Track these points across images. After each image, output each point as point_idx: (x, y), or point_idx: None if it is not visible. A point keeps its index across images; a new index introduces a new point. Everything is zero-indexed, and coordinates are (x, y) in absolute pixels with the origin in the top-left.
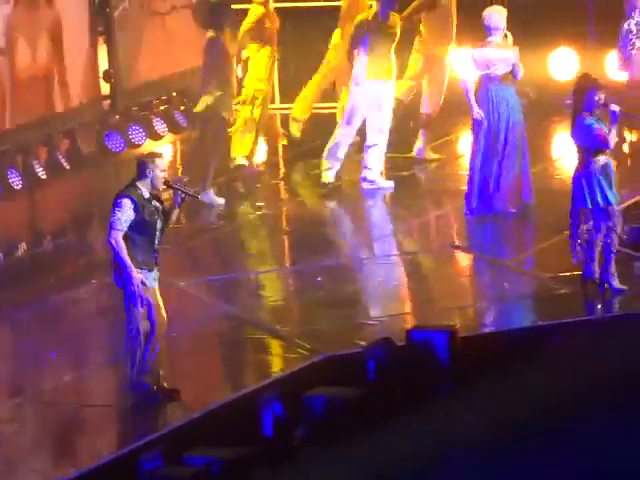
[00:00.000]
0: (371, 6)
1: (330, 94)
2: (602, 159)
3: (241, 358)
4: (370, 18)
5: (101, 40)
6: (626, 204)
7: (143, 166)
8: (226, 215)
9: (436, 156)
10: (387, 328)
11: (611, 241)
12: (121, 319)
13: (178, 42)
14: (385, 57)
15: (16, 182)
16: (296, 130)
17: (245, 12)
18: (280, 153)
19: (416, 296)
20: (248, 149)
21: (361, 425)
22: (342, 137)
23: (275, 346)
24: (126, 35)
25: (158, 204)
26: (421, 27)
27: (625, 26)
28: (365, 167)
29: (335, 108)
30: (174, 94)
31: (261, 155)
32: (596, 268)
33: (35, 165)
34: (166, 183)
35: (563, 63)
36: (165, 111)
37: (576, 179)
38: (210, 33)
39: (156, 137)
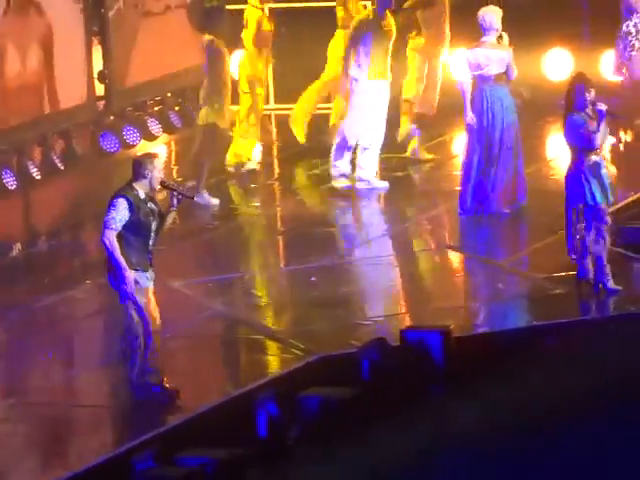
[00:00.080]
0: (365, 6)
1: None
2: (592, 159)
3: (235, 358)
4: (370, 18)
5: (96, 41)
6: (621, 204)
7: (141, 167)
8: (221, 216)
9: (430, 156)
10: (381, 328)
11: (601, 241)
12: (115, 320)
13: (173, 43)
14: (384, 57)
15: (10, 182)
16: (301, 135)
17: (240, 12)
18: (275, 153)
19: (410, 296)
20: (251, 152)
21: (356, 425)
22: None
23: (269, 346)
24: (121, 36)
25: (154, 205)
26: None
27: (623, 28)
28: (359, 167)
29: (330, 109)
30: (169, 95)
31: (256, 156)
32: (590, 267)
33: (30, 165)
34: (162, 184)
35: (557, 63)
36: (160, 112)
37: (567, 178)
38: (206, 37)
39: (151, 138)
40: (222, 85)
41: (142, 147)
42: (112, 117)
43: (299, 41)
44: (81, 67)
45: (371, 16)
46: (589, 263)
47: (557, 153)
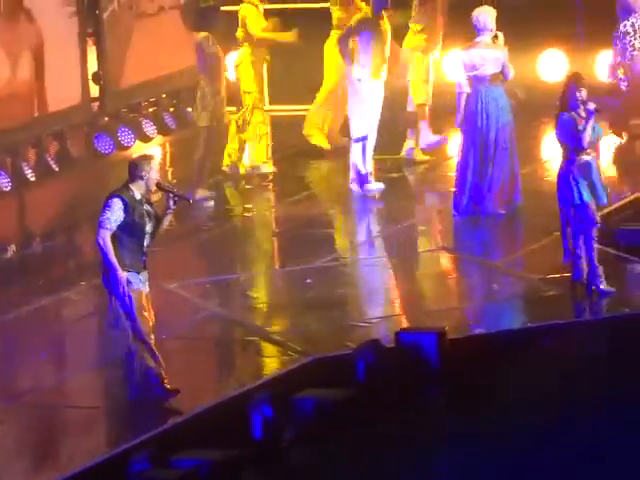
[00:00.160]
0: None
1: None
2: (583, 158)
3: (231, 360)
4: (369, 17)
5: (90, 42)
6: (615, 205)
7: (137, 168)
8: (216, 217)
9: (426, 157)
10: (377, 330)
11: (590, 242)
12: (110, 321)
13: (167, 44)
14: (381, 57)
15: (5, 184)
16: (322, 142)
17: (235, 14)
18: (269, 155)
19: (405, 298)
20: (264, 155)
21: (351, 426)
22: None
23: (265, 348)
24: (115, 37)
25: (150, 207)
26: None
27: (621, 28)
28: (353, 167)
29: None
30: (163, 96)
31: (250, 157)
32: (585, 269)
33: (24, 167)
34: (158, 185)
35: (552, 64)
36: (154, 113)
37: (558, 178)
38: (201, 34)
39: (145, 139)
40: (219, 84)
41: (137, 148)
42: (107, 118)
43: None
44: (75, 68)
45: (369, 15)
46: (583, 264)
47: (552, 154)
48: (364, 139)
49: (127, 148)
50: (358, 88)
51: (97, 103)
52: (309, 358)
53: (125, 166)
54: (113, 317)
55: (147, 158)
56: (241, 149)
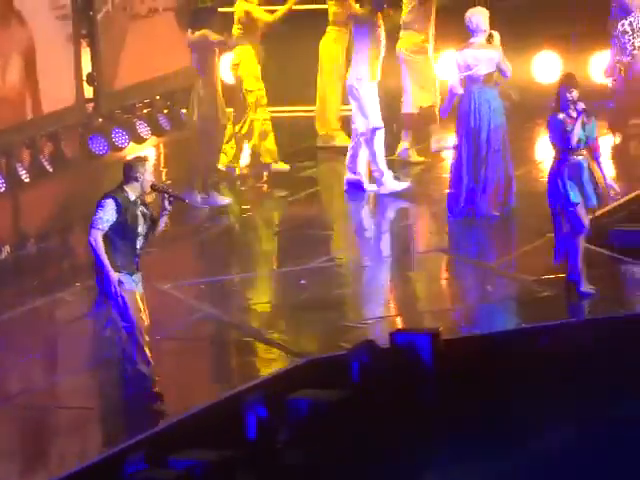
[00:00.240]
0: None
1: (311, 97)
2: (574, 159)
3: (225, 361)
4: (369, 16)
5: (84, 43)
6: (609, 207)
7: (132, 170)
8: (211, 218)
9: (421, 158)
10: (371, 331)
11: (576, 242)
12: (104, 322)
13: (161, 45)
14: (377, 58)
15: None
16: (342, 139)
17: (230, 15)
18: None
19: (400, 299)
20: (275, 153)
21: (345, 427)
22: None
23: (259, 348)
24: (109, 38)
25: (145, 209)
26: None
27: (619, 27)
28: (349, 168)
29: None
30: (157, 97)
31: (245, 158)
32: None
33: (18, 168)
34: (153, 187)
35: (546, 66)
36: (148, 114)
37: (548, 178)
38: (201, 33)
39: (140, 140)
40: (216, 82)
41: (131, 150)
42: (101, 120)
43: (287, 43)
44: (69, 70)
45: (368, 15)
46: (581, 266)
47: (546, 155)
48: (373, 134)
49: (121, 149)
50: (359, 88)
51: (91, 104)
52: (303, 359)
53: (119, 167)
54: (105, 318)
55: (141, 160)
56: (239, 149)
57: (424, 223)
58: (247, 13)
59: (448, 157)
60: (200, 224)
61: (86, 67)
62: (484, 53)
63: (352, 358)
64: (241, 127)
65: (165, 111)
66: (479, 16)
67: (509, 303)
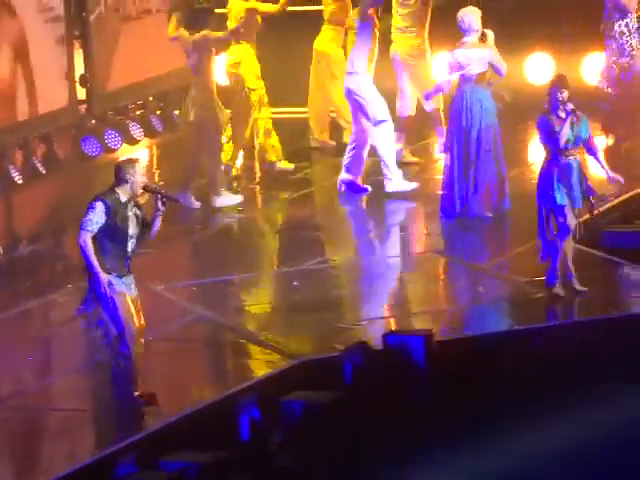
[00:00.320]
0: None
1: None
2: (563, 160)
3: (218, 362)
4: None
5: (77, 44)
6: (602, 208)
7: (122, 171)
8: (204, 219)
9: (415, 159)
10: (364, 332)
11: (558, 242)
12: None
13: (154, 46)
14: (373, 57)
15: None
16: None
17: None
18: (256, 157)
19: (393, 300)
20: (279, 151)
21: (338, 428)
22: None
23: (252, 350)
24: (102, 39)
25: (138, 210)
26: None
27: (616, 28)
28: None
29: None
30: (150, 98)
31: (238, 159)
32: (573, 272)
33: (11, 170)
34: (145, 187)
35: (539, 67)
36: (141, 116)
37: (538, 178)
38: (200, 34)
39: (132, 142)
40: (212, 83)
41: (124, 151)
42: (94, 121)
43: (280, 45)
44: (62, 71)
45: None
46: (571, 266)
47: (539, 157)
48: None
49: (114, 151)
50: (361, 86)
51: (84, 106)
52: (297, 360)
53: (112, 169)
54: (96, 319)
55: (132, 161)
56: (237, 149)
57: (418, 224)
58: (248, 11)
59: (442, 158)
60: (194, 225)
61: (79, 68)
62: (476, 52)
63: (345, 360)
64: (246, 128)
65: (158, 112)
66: (471, 16)
67: (502, 304)
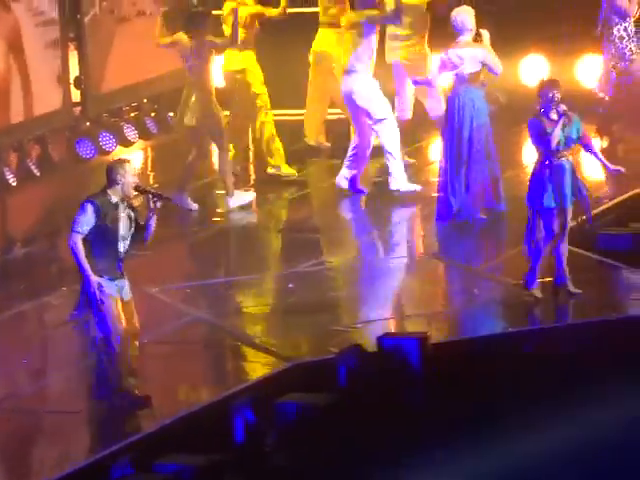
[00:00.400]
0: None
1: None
2: (555, 161)
3: (213, 364)
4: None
5: (72, 46)
6: (596, 210)
7: (113, 172)
8: (199, 221)
9: (412, 160)
10: (359, 335)
11: (541, 244)
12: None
13: (149, 48)
14: (373, 59)
15: None
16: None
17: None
18: (250, 159)
19: (388, 303)
20: (283, 155)
21: (333, 431)
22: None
23: (247, 352)
24: (97, 41)
25: (131, 211)
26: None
27: (615, 32)
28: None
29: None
30: (145, 101)
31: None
32: (567, 274)
33: (5, 171)
34: (137, 188)
35: (534, 69)
36: (136, 118)
37: (530, 179)
38: (194, 41)
39: (127, 144)
40: (212, 86)
41: (118, 153)
42: (88, 123)
43: (274, 47)
44: (57, 73)
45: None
46: (566, 269)
47: (533, 159)
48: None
49: (108, 153)
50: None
51: (78, 108)
52: (291, 363)
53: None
54: (87, 321)
55: (122, 162)
56: (237, 152)
57: (413, 226)
58: (253, 16)
59: (436, 160)
60: (190, 227)
61: (73, 70)
62: (469, 52)
63: (339, 362)
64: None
65: (152, 114)
66: (464, 15)
67: (497, 307)
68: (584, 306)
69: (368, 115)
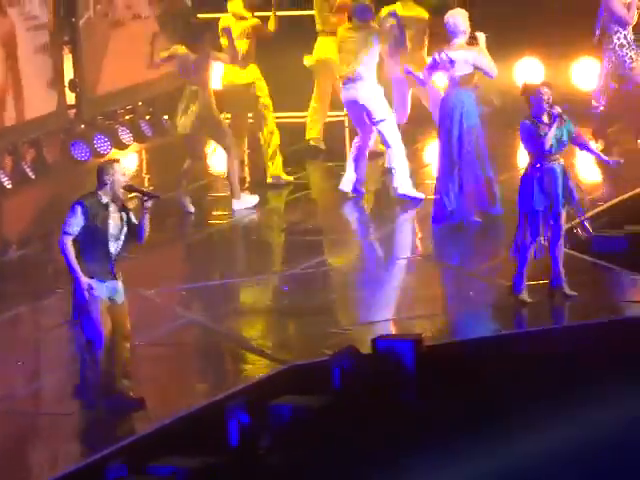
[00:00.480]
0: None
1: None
2: (546, 165)
3: (207, 367)
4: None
5: (66, 49)
6: (591, 213)
7: (102, 173)
8: (195, 224)
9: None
10: (353, 337)
11: (529, 246)
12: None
13: (143, 51)
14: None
15: None
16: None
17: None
18: (246, 161)
19: (382, 305)
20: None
21: (327, 433)
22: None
23: (241, 355)
24: (91, 44)
25: (123, 212)
26: None
27: (615, 40)
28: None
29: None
30: (139, 103)
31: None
32: (563, 276)
33: (0, 174)
34: (128, 188)
35: (528, 71)
36: (130, 120)
37: (520, 183)
38: (195, 54)
39: (121, 146)
40: (212, 95)
41: (113, 156)
42: (83, 126)
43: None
44: (51, 76)
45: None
46: (562, 271)
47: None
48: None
49: (103, 155)
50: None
51: (73, 110)
52: (286, 365)
53: None
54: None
55: (111, 162)
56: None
57: (409, 229)
58: (252, 28)
59: (430, 163)
60: (186, 229)
61: (68, 73)
62: (460, 54)
63: (333, 364)
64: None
65: (147, 117)
66: (457, 17)
67: (491, 309)
68: (579, 308)
69: (370, 116)
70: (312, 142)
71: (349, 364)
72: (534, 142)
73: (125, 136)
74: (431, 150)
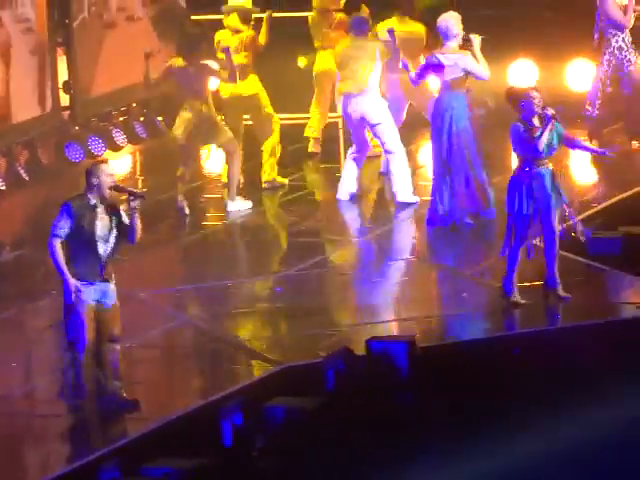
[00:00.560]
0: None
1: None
2: (534, 169)
3: (201, 368)
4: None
5: (60, 51)
6: (585, 215)
7: (89, 174)
8: (189, 225)
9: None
10: (347, 338)
11: (516, 248)
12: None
13: (137, 53)
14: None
15: None
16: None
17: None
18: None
19: (376, 306)
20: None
21: (321, 434)
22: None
23: (235, 356)
24: (85, 46)
25: (112, 213)
26: None
27: (614, 43)
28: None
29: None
30: (134, 105)
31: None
32: (557, 278)
33: None
34: (115, 188)
35: (522, 73)
36: (125, 122)
37: (508, 186)
38: (192, 66)
39: (115, 148)
40: (211, 103)
41: (107, 157)
42: (77, 127)
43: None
44: (46, 77)
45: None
46: (556, 273)
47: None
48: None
49: (97, 157)
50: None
51: (67, 112)
52: (280, 366)
53: None
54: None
55: (98, 163)
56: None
57: (403, 230)
58: (250, 38)
59: (425, 165)
60: (180, 230)
61: (62, 75)
62: (450, 58)
63: (327, 365)
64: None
65: (141, 119)
66: (449, 20)
67: (486, 310)
68: (573, 310)
69: (372, 127)
70: (310, 149)
71: (343, 365)
72: (525, 145)
73: (119, 137)
74: (425, 152)
